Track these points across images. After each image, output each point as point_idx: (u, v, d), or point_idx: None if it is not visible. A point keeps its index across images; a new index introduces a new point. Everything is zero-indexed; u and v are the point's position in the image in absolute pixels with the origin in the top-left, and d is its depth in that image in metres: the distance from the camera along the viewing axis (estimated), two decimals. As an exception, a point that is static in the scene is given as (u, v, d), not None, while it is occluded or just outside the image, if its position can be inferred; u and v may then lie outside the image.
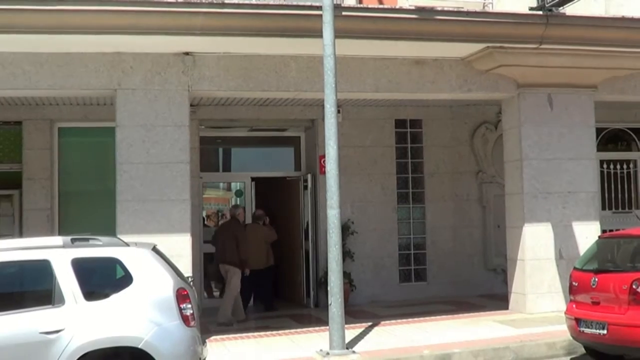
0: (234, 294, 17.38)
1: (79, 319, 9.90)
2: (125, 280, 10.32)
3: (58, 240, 10.65)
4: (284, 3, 14.41)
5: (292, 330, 15.71)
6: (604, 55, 15.96)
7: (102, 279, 10.82)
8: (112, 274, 10.69)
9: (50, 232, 16.80)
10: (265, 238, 18.85)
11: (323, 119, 13.49)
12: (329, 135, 13.15)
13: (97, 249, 10.53)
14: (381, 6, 15.25)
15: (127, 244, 10.77)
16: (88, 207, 17.78)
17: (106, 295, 10.24)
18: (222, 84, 15.22)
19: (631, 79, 17.14)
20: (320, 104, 15.36)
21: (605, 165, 21.32)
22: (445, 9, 14.84)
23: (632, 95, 17.59)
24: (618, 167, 21.64)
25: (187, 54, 14.89)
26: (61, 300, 9.97)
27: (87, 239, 10.68)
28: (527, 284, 16.37)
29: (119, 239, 11.31)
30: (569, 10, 15.14)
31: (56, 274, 10.05)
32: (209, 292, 19.96)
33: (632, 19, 15.51)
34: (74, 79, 14.60)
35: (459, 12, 14.87)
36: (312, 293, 19.01)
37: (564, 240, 16.47)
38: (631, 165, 21.89)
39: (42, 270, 10.16)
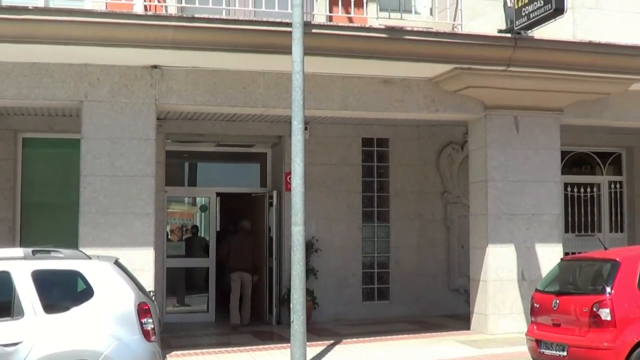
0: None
1: (38, 332, 9.80)
2: (86, 293, 10.24)
3: (19, 251, 10.53)
4: (254, 19, 14.39)
5: (254, 347, 15.66)
6: (570, 79, 16.08)
7: (62, 292, 10.72)
8: (73, 287, 10.60)
9: (11, 244, 16.64)
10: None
11: (290, 136, 13.48)
12: (296, 152, 13.14)
13: (58, 262, 10.44)
14: (351, 25, 15.24)
15: (89, 257, 10.69)
16: (51, 218, 17.64)
17: (66, 308, 10.15)
18: (190, 98, 15.19)
19: (597, 103, 17.26)
20: (287, 121, 15.36)
21: (569, 188, 21.46)
22: (415, 29, 14.90)
23: (597, 120, 17.74)
24: (582, 190, 21.79)
25: (155, 67, 14.86)
26: (20, 313, 9.87)
27: (49, 251, 10.59)
28: (490, 305, 16.42)
29: (80, 251, 11.23)
30: (537, 33, 15.23)
31: (16, 285, 9.95)
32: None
33: (598, 44, 15.63)
34: (40, 89, 14.52)
35: (428, 33, 14.92)
36: (274, 310, 18.96)
37: (526, 262, 16.54)
38: (595, 189, 22.05)
39: (1, 282, 10.05)
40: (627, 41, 16.02)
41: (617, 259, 12.18)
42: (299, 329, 13.04)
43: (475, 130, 17.09)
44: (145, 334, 10.21)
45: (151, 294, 11.92)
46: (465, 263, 18.05)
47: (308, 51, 13.29)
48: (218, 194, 21.05)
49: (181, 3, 14.71)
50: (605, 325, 11.60)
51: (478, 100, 16.50)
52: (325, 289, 19.09)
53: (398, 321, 18.74)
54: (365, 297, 19.87)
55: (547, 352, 12.39)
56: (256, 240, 19.62)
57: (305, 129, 13.76)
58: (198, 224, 24.20)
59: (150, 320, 10.32)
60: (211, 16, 13.88)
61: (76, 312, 10.09)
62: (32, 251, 10.44)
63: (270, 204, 19.49)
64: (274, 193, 19.36)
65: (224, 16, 14.54)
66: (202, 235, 22.50)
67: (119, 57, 14.26)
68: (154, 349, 10.36)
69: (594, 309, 11.69)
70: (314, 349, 14.70)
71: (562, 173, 18.35)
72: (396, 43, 14.64)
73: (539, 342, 12.61)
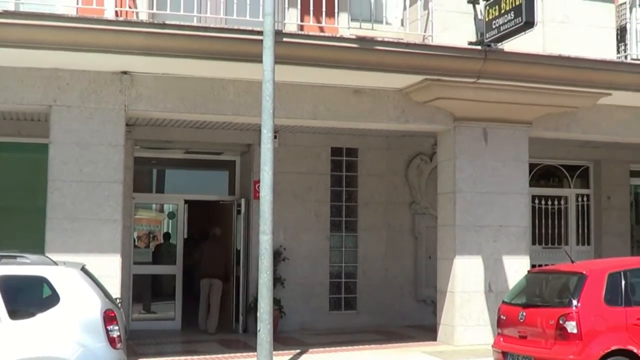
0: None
1: (2, 338, 9.74)
2: (52, 299, 10.19)
3: (-16, 256, 10.48)
4: (225, 26, 14.37)
5: (220, 355, 15.59)
6: (539, 92, 16.14)
7: (28, 298, 10.67)
8: (38, 293, 10.55)
9: (-23, 248, 16.52)
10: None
11: (259, 144, 13.44)
12: (265, 161, 13.11)
13: (25, 267, 10.39)
14: (322, 34, 15.24)
15: (55, 263, 10.64)
16: (17, 223, 17.44)
17: (32, 315, 10.10)
18: (159, 105, 15.14)
19: (565, 116, 17.35)
20: (257, 129, 15.33)
21: (537, 201, 21.57)
22: (386, 39, 14.92)
23: (565, 133, 17.82)
24: (549, 202, 21.91)
25: (125, 73, 14.79)
26: (-15, 318, 9.81)
27: (15, 257, 10.54)
28: (456, 316, 16.45)
29: (47, 257, 11.17)
30: (507, 46, 15.30)
31: (-19, 290, 9.90)
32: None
33: (567, 58, 15.72)
34: (9, 93, 14.41)
35: (399, 44, 14.95)
36: (241, 318, 18.91)
37: (493, 274, 16.58)
38: (562, 202, 22.18)
39: (-33, 287, 9.99)
40: (596, 55, 16.13)
41: (584, 272, 12.25)
42: (266, 338, 13.00)
43: (444, 141, 17.12)
44: (111, 341, 10.19)
45: (117, 301, 11.87)
46: (433, 274, 18.06)
47: (279, 60, 13.28)
48: (186, 201, 20.99)
49: (152, 9, 14.67)
50: (571, 338, 11.66)
51: (447, 111, 16.53)
52: (292, 298, 19.05)
53: (365, 331, 18.73)
54: (332, 306, 19.85)
55: (513, 364, 12.47)
56: (225, 247, 19.66)
57: (275, 137, 13.75)
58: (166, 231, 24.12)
59: (116, 328, 10.29)
60: (182, 23, 13.85)
61: (42, 319, 10.04)
62: (-2, 256, 10.39)
63: (239, 212, 19.45)
64: (242, 201, 19.33)
65: (195, 23, 14.50)
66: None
67: (89, 62, 14.19)
68: (120, 356, 10.34)
69: (561, 322, 11.75)
70: (280, 358, 14.67)
71: (530, 185, 18.43)
72: (367, 53, 14.66)
73: (505, 354, 12.66)
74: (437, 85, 15.69)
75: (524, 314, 12.49)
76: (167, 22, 13.72)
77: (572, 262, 13.70)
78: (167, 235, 22.90)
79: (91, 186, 14.55)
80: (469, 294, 16.48)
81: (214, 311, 19.34)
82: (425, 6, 15.94)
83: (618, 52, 16.94)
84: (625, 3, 16.96)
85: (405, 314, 19.96)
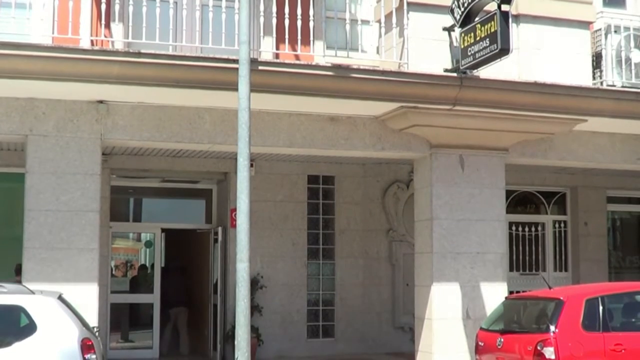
0: None
1: (-22, 368, 9.69)
2: (29, 328, 10.15)
3: (-39, 286, 10.44)
4: (201, 55, 14.39)
5: (198, 384, 15.56)
6: (515, 118, 16.17)
7: (5, 327, 10.62)
8: (15, 322, 10.51)
9: (-47, 278, 16.42)
10: None
11: (236, 172, 13.41)
12: (241, 189, 13.08)
13: (1, 296, 10.35)
14: (297, 62, 15.26)
15: (32, 292, 10.60)
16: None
17: (8, 344, 10.05)
18: (136, 134, 15.10)
19: (541, 143, 17.39)
20: (233, 157, 15.33)
21: (514, 227, 21.64)
22: (361, 67, 14.95)
23: (542, 159, 17.85)
24: (527, 229, 21.98)
25: (101, 102, 14.76)
26: (-39, 348, 9.76)
27: (-9, 286, 10.50)
28: (434, 343, 16.41)
29: (24, 286, 11.12)
30: (483, 73, 15.35)
31: (-43, 320, 9.85)
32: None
33: (543, 84, 15.77)
34: (-15, 123, 14.39)
35: (374, 71, 14.98)
36: (219, 346, 18.87)
37: (471, 300, 16.56)
38: (539, 228, 22.25)
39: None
40: (572, 82, 16.21)
41: (561, 298, 12.28)
42: (244, 366, 12.96)
43: (420, 168, 17.14)
44: (89, 370, 10.14)
45: (95, 329, 11.81)
46: (410, 301, 18.05)
47: (254, 88, 13.26)
48: (163, 230, 20.95)
49: (128, 38, 14.67)
50: (549, 364, 11.69)
51: (424, 138, 16.55)
52: (270, 326, 19.02)
53: (343, 359, 18.71)
54: (310, 334, 19.83)
55: (492, 390, 12.47)
56: (196, 276, 20.06)
57: (251, 165, 13.75)
58: (143, 260, 24.08)
59: (94, 356, 10.25)
60: (158, 52, 13.84)
61: (18, 348, 10.00)
62: (-25, 286, 10.35)
63: (215, 240, 19.45)
64: (219, 229, 19.32)
65: (170, 52, 14.51)
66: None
67: (65, 91, 14.16)
68: (97, 385, 10.28)
69: (538, 348, 11.76)
70: (258, 386, 14.64)
71: (507, 212, 18.40)
72: (342, 81, 14.68)
73: (483, 381, 12.68)
74: (413, 112, 15.71)
75: (502, 340, 12.51)
76: (142, 51, 13.70)
77: (550, 288, 13.73)
78: (144, 266, 22.91)
79: (68, 215, 14.48)
80: (447, 321, 16.46)
81: (184, 337, 20.46)
82: (401, 34, 15.98)
83: (594, 78, 16.99)
84: (600, 29, 17.03)
85: (383, 341, 19.96)
